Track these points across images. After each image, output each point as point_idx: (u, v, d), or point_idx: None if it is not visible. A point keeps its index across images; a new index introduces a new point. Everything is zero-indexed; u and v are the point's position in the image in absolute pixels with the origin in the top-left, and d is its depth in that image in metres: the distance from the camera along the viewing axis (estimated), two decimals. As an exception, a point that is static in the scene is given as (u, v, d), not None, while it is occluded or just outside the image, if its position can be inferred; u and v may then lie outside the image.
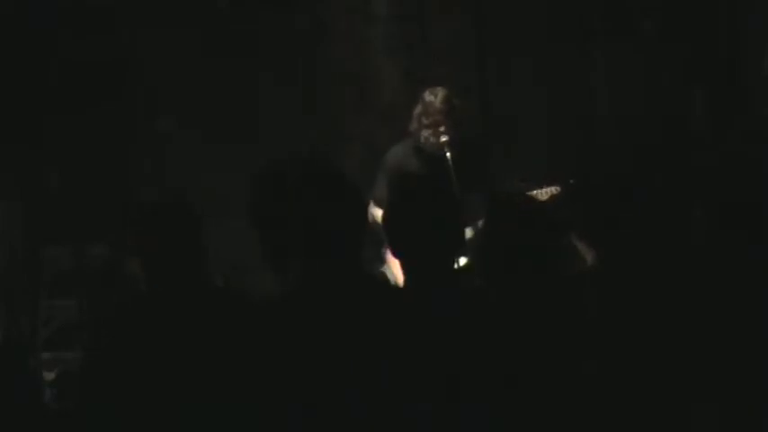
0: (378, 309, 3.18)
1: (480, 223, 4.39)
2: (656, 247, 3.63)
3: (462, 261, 4.69)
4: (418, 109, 6.52)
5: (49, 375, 6.59)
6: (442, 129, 6.43)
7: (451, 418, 3.09)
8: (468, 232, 5.43)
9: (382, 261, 6.41)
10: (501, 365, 3.24)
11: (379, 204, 6.03)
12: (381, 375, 3.00)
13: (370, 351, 3.04)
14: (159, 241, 3.62)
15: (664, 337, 3.46)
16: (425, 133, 6.47)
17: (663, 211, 3.76)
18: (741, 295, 3.52)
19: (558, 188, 6.44)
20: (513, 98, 7.97)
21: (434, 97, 6.48)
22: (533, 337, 3.34)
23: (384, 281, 5.37)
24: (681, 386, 3.43)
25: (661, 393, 3.41)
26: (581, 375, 3.34)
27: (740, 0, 7.75)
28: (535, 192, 6.37)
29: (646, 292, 3.53)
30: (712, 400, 3.44)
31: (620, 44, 7.92)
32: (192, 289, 3.62)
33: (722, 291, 3.54)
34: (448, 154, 6.38)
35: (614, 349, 3.44)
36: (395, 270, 5.98)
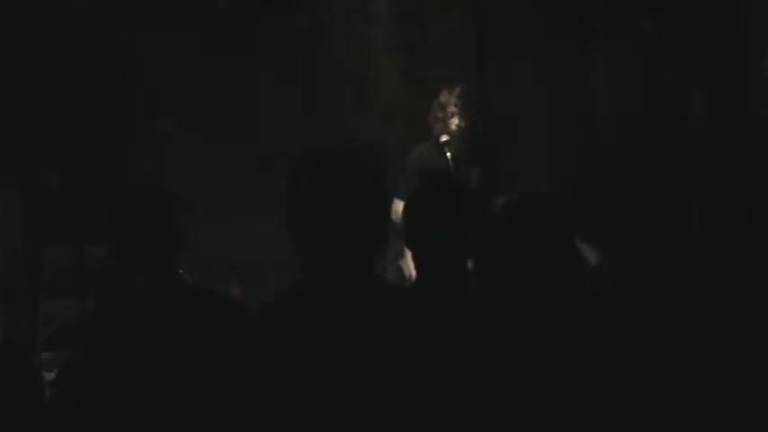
0: (378, 308, 3.17)
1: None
2: (656, 248, 3.63)
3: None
4: (435, 103, 6.56)
5: (49, 375, 6.57)
6: (455, 122, 6.45)
7: (451, 418, 3.08)
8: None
9: (400, 255, 6.39)
10: (501, 366, 3.25)
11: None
12: (381, 375, 3.00)
13: (370, 351, 3.03)
14: (128, 230, 3.63)
15: (664, 337, 3.46)
16: (438, 128, 6.50)
17: (663, 211, 3.76)
18: (741, 295, 3.52)
19: None
20: (513, 98, 7.97)
21: (450, 93, 6.51)
22: (534, 338, 3.34)
23: (384, 280, 5.36)
24: (681, 386, 3.43)
25: (661, 393, 3.41)
26: (581, 375, 3.35)
27: (740, 0, 7.74)
28: None
29: (646, 292, 3.53)
30: (712, 400, 3.44)
31: (620, 44, 7.92)
32: (179, 287, 3.62)
33: (722, 291, 3.54)
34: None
35: (615, 349, 3.44)
36: (410, 263, 5.98)
